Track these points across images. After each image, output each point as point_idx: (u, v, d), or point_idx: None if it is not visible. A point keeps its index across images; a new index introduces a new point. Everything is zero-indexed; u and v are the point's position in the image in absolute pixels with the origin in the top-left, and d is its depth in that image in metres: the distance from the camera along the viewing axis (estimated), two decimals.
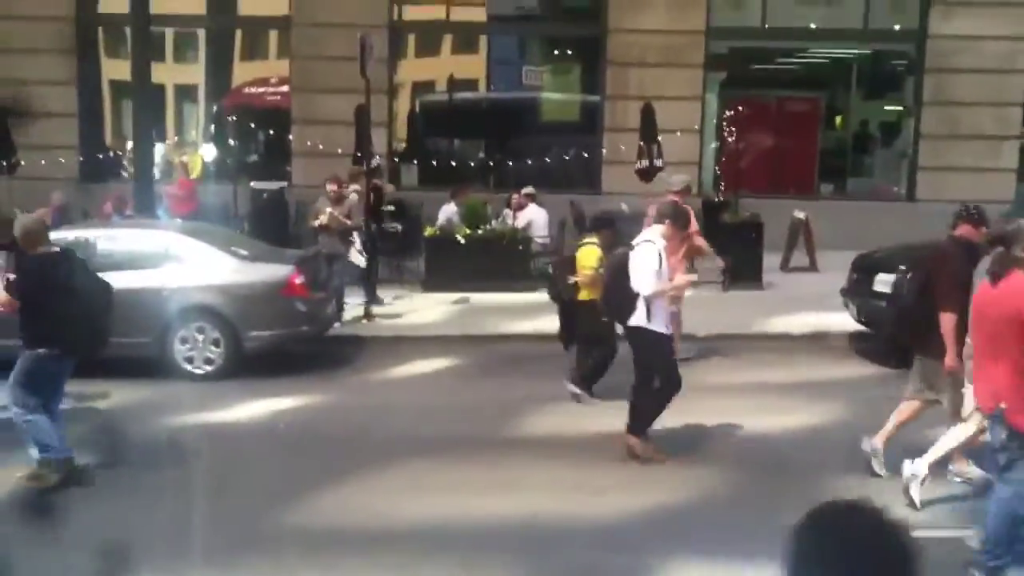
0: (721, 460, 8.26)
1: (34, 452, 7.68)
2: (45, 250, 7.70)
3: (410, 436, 8.95)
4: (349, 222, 13.59)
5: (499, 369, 11.45)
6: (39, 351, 7.58)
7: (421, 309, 14.05)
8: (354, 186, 14.02)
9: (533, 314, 13.63)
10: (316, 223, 13.62)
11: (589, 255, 9.78)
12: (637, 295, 8.05)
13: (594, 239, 9.98)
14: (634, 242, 8.30)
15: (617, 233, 9.88)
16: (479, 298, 14.50)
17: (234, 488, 7.65)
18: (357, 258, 13.55)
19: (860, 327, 11.98)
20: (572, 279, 9.80)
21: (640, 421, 8.30)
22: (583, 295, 9.76)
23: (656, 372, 8.30)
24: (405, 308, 14.04)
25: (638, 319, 8.11)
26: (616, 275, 8.30)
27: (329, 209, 13.48)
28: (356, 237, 13.65)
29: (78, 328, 7.61)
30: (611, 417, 8.98)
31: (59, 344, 7.59)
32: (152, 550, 6.44)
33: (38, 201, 15.92)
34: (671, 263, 8.75)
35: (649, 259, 8.08)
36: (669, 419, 9.35)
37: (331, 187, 13.66)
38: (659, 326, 8.14)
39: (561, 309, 10.27)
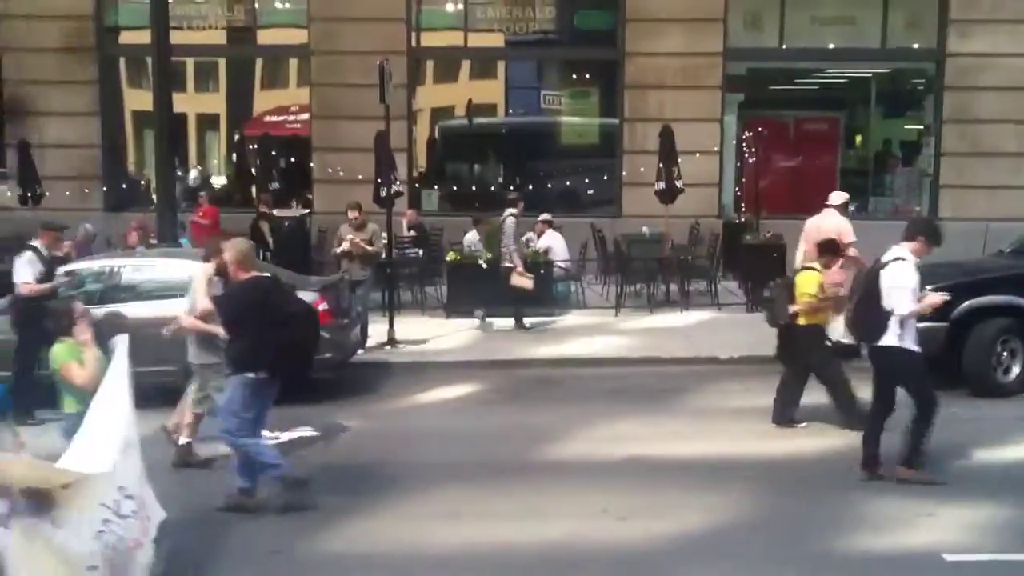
0: (747, 484, 8.20)
1: (239, 480, 7.71)
2: (254, 274, 7.78)
3: (436, 463, 8.94)
4: (371, 248, 13.64)
5: (524, 394, 11.44)
6: (248, 375, 7.59)
7: (444, 335, 14.06)
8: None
9: (556, 338, 13.64)
10: (338, 250, 13.69)
11: (809, 281, 9.62)
12: (888, 314, 7.87)
13: (814, 264, 9.84)
14: (883, 259, 8.07)
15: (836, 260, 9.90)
16: (501, 323, 14.50)
17: (258, 515, 7.64)
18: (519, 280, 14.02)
19: None
20: (792, 307, 9.55)
21: (909, 449, 8.06)
22: (802, 320, 9.58)
23: (909, 392, 8.12)
24: (428, 333, 14.05)
25: (889, 338, 7.93)
26: (867, 294, 8.09)
27: (350, 236, 13.55)
28: (516, 259, 14.01)
29: (287, 352, 7.64)
30: (639, 442, 8.98)
31: (268, 368, 7.61)
32: None
33: (64, 233, 16.09)
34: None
35: (906, 277, 7.89)
36: (694, 443, 9.33)
37: (352, 214, 13.73)
38: (912, 344, 7.99)
39: (779, 333, 9.98)
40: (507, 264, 14.11)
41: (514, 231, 14.22)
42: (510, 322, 14.41)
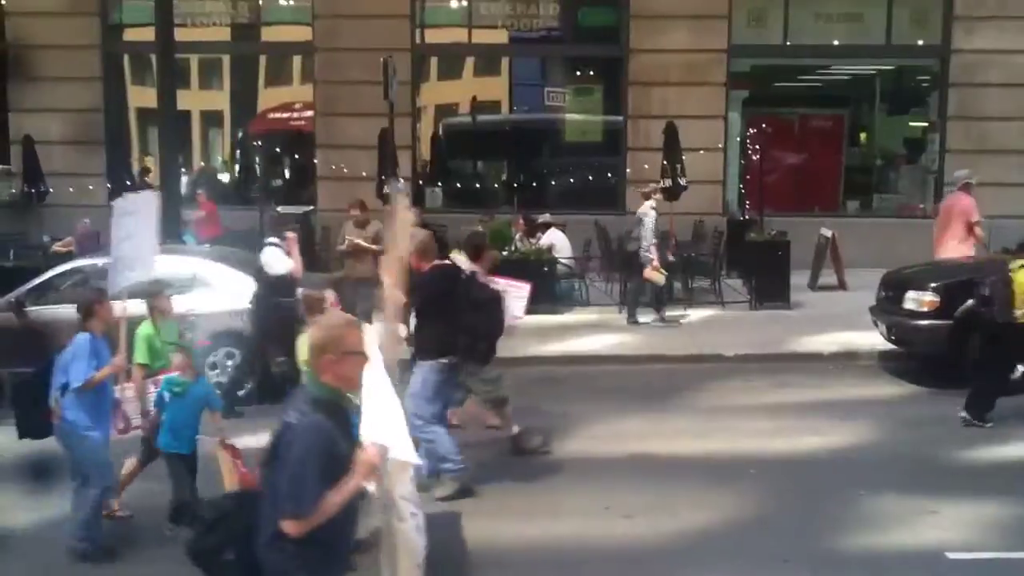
0: (751, 482, 8.19)
1: (422, 468, 7.60)
2: (439, 262, 7.87)
3: None
4: (375, 247, 13.61)
5: (528, 391, 11.40)
6: (440, 361, 7.66)
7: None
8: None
9: (561, 335, 13.61)
10: (342, 247, 13.67)
11: None
12: None
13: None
14: None
15: None
16: None
17: None
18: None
19: (890, 345, 11.87)
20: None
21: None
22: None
23: None
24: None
25: None
26: None
27: (349, 237, 13.54)
28: (653, 252, 13.92)
29: (475, 337, 7.73)
30: (643, 440, 8.97)
31: (457, 353, 7.68)
32: None
33: (67, 229, 16.14)
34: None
35: None
36: (698, 441, 9.32)
37: (354, 211, 13.70)
38: None
39: (991, 334, 9.73)
40: (647, 255, 13.98)
41: (654, 225, 14.07)
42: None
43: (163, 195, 14.41)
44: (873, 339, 12.12)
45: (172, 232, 13.98)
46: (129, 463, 7.62)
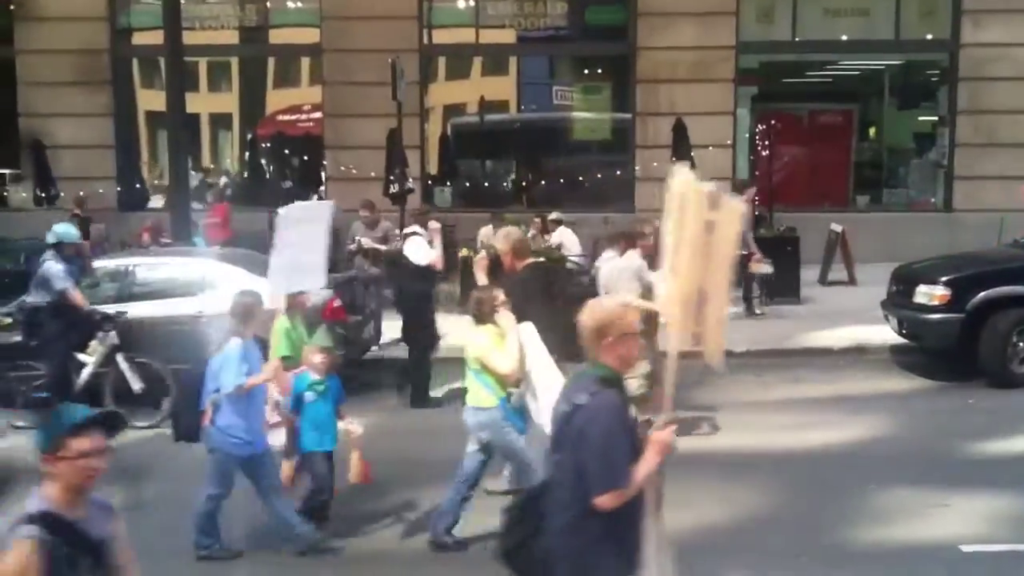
0: (763, 477, 8.19)
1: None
2: (532, 260, 7.88)
3: (450, 458, 8.89)
4: (383, 247, 13.63)
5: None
6: None
7: (459, 331, 14.02)
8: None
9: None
10: (352, 247, 13.69)
11: None
12: None
13: None
14: None
15: None
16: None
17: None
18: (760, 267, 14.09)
19: (902, 340, 11.85)
20: None
21: None
22: None
23: None
24: (443, 329, 14.01)
25: None
26: None
27: (358, 238, 13.57)
28: (752, 245, 13.93)
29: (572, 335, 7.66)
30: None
31: (557, 351, 7.62)
32: None
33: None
34: None
35: None
36: (709, 436, 9.32)
37: (364, 212, 13.73)
38: None
39: None
40: (742, 252, 13.92)
41: (748, 220, 14.00)
42: None
43: (173, 198, 14.68)
44: (884, 333, 12.09)
45: (182, 235, 14.05)
46: (286, 465, 7.41)
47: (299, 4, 20.38)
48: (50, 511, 3.42)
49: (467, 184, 20.87)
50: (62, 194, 17.96)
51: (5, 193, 20.47)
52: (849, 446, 8.91)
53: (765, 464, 8.49)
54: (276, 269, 8.04)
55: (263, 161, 21.43)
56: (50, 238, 10.48)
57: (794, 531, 7.05)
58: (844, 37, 19.42)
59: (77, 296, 10.28)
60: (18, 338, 10.43)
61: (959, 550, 6.67)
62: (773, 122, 19.25)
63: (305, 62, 20.51)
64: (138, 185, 20.42)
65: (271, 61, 21.19)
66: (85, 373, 10.29)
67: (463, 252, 15.64)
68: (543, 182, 20.40)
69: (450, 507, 7.01)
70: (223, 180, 20.89)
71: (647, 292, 8.57)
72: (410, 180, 16.91)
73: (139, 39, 19.91)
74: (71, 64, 19.02)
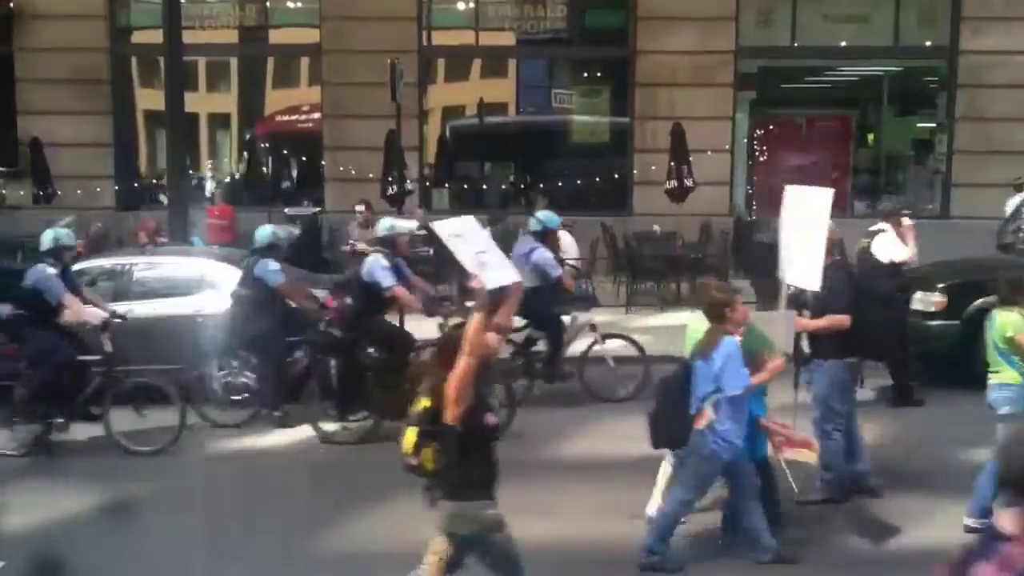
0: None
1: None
2: (838, 259, 7.84)
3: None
4: None
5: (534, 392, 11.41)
6: (846, 360, 7.56)
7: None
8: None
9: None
10: (347, 248, 13.72)
11: None
12: None
13: None
14: None
15: None
16: (513, 321, 14.42)
17: (273, 512, 7.66)
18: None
19: None
20: None
21: None
22: None
23: None
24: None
25: None
26: None
27: (352, 240, 13.63)
28: None
29: (882, 334, 7.70)
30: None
31: (863, 352, 7.64)
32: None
33: (75, 232, 16.14)
34: None
35: None
36: None
37: (360, 210, 13.78)
38: None
39: None
40: None
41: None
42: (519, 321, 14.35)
43: (171, 197, 14.67)
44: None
45: (180, 234, 14.05)
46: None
47: (299, 4, 20.38)
48: None
49: (465, 186, 20.88)
50: (59, 193, 17.93)
51: (3, 192, 20.44)
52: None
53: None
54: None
55: (261, 161, 21.42)
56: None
57: (793, 537, 7.04)
58: (843, 43, 19.43)
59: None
60: None
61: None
62: (771, 127, 19.28)
63: (304, 62, 20.51)
64: (136, 184, 20.40)
65: (270, 61, 21.19)
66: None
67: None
68: (541, 185, 20.40)
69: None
70: (226, 180, 20.91)
71: None
72: (408, 181, 16.93)
73: (138, 38, 19.91)
74: (70, 62, 18.99)
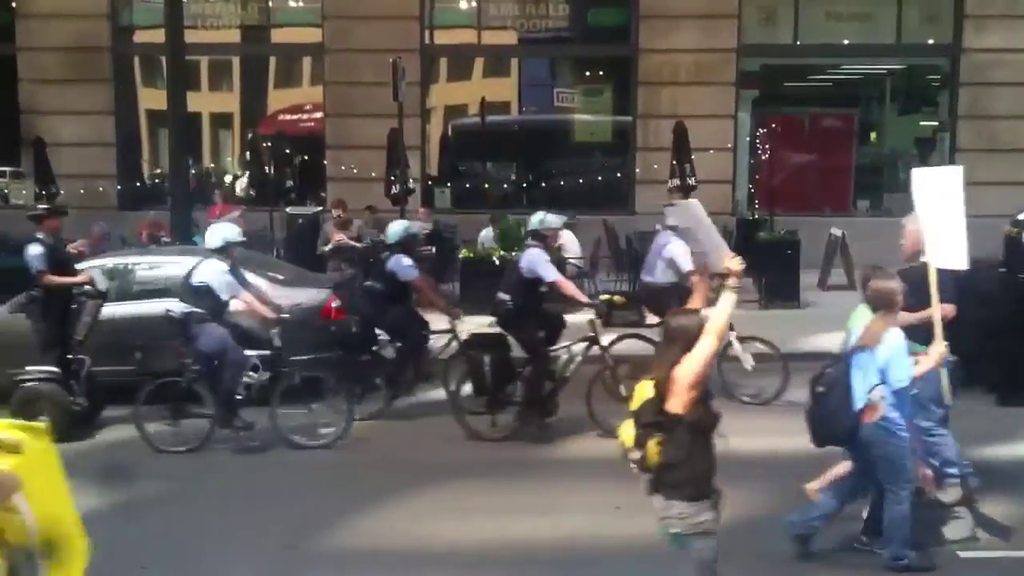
0: (760, 482, 8.17)
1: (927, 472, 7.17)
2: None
3: (447, 459, 8.94)
4: (359, 244, 13.75)
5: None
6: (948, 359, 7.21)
7: (457, 332, 14.00)
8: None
9: (568, 335, 13.58)
10: (326, 248, 13.80)
11: None
12: None
13: None
14: None
15: None
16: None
17: (273, 511, 7.66)
18: None
19: None
20: None
21: None
22: None
23: None
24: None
25: None
26: None
27: (337, 237, 13.68)
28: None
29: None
30: None
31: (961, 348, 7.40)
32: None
33: (78, 231, 16.16)
34: None
35: None
36: None
37: (336, 212, 13.89)
38: None
39: None
40: None
41: None
42: None
43: (173, 197, 14.66)
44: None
45: (182, 233, 14.05)
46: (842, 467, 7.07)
47: (301, 3, 20.41)
48: None
49: (467, 185, 20.88)
50: (62, 192, 17.94)
51: (6, 191, 20.48)
52: (847, 451, 8.87)
53: (762, 468, 8.47)
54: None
55: (264, 160, 21.43)
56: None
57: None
58: (846, 41, 19.43)
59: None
60: None
61: (957, 556, 6.66)
62: (774, 125, 19.26)
63: (307, 62, 20.53)
64: (139, 184, 20.41)
65: (272, 60, 21.21)
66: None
67: (464, 253, 15.64)
68: (543, 184, 20.41)
69: None
70: (229, 179, 20.93)
71: None
72: (411, 181, 16.93)
73: (141, 37, 19.94)
74: (72, 61, 19.02)
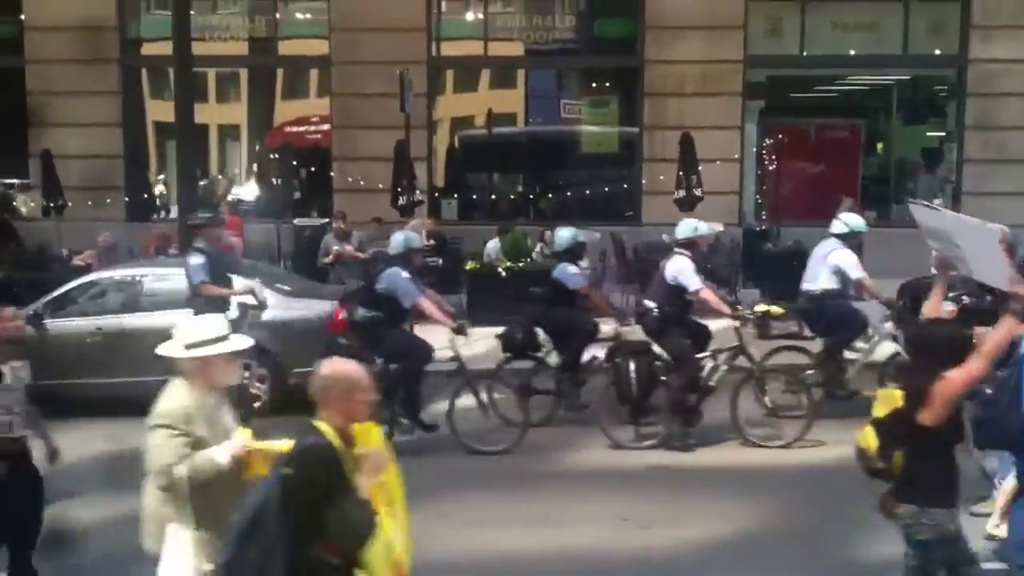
0: (769, 491, 8.16)
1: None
2: None
3: (457, 469, 8.94)
4: (361, 255, 13.80)
5: (544, 401, 11.39)
6: None
7: (465, 343, 14.00)
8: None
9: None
10: (327, 260, 13.85)
11: None
12: None
13: None
14: None
15: None
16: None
17: None
18: None
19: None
20: None
21: None
22: None
23: None
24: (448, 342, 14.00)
25: None
26: None
27: (336, 248, 13.75)
28: None
29: None
30: (661, 450, 8.94)
31: None
32: None
33: (86, 242, 16.22)
34: None
35: None
36: (716, 451, 9.29)
37: (336, 223, 13.96)
38: None
39: None
40: None
41: None
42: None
43: (181, 209, 14.68)
44: (891, 348, 12.02)
45: (187, 246, 14.04)
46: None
47: (308, 16, 20.45)
48: None
49: (474, 196, 20.89)
50: (70, 204, 17.98)
51: (15, 203, 20.52)
52: (854, 461, 8.84)
53: (771, 478, 8.46)
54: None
55: (271, 172, 21.48)
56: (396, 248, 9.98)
57: (800, 546, 7.02)
58: (852, 52, 19.43)
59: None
60: None
61: None
62: (781, 136, 19.24)
63: (314, 74, 20.56)
64: (146, 195, 20.45)
65: (280, 72, 21.24)
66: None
67: (470, 265, 15.65)
68: (550, 195, 20.41)
69: None
70: (236, 191, 20.97)
71: None
72: (418, 192, 16.95)
73: (148, 49, 19.98)
74: (80, 73, 19.08)
